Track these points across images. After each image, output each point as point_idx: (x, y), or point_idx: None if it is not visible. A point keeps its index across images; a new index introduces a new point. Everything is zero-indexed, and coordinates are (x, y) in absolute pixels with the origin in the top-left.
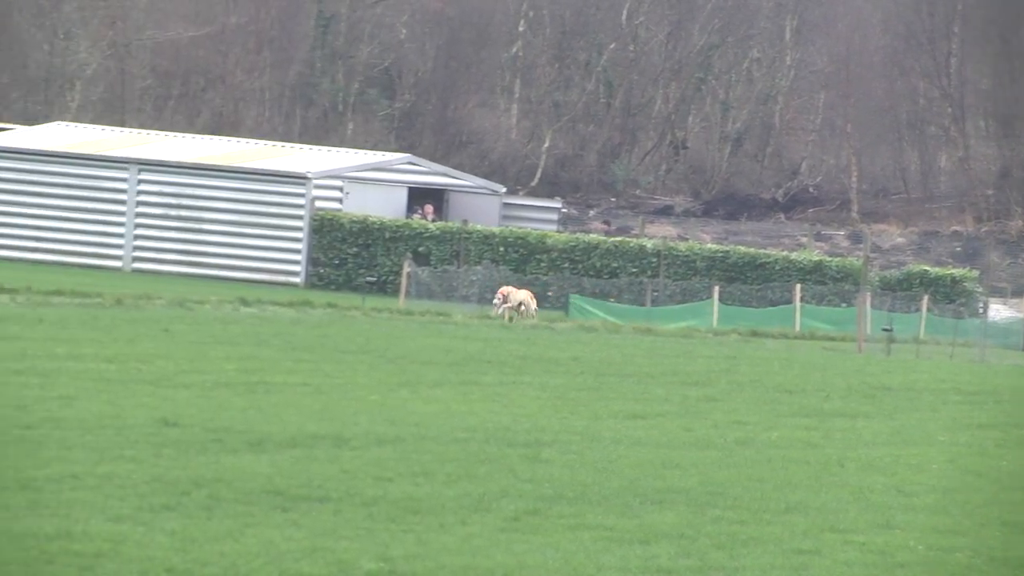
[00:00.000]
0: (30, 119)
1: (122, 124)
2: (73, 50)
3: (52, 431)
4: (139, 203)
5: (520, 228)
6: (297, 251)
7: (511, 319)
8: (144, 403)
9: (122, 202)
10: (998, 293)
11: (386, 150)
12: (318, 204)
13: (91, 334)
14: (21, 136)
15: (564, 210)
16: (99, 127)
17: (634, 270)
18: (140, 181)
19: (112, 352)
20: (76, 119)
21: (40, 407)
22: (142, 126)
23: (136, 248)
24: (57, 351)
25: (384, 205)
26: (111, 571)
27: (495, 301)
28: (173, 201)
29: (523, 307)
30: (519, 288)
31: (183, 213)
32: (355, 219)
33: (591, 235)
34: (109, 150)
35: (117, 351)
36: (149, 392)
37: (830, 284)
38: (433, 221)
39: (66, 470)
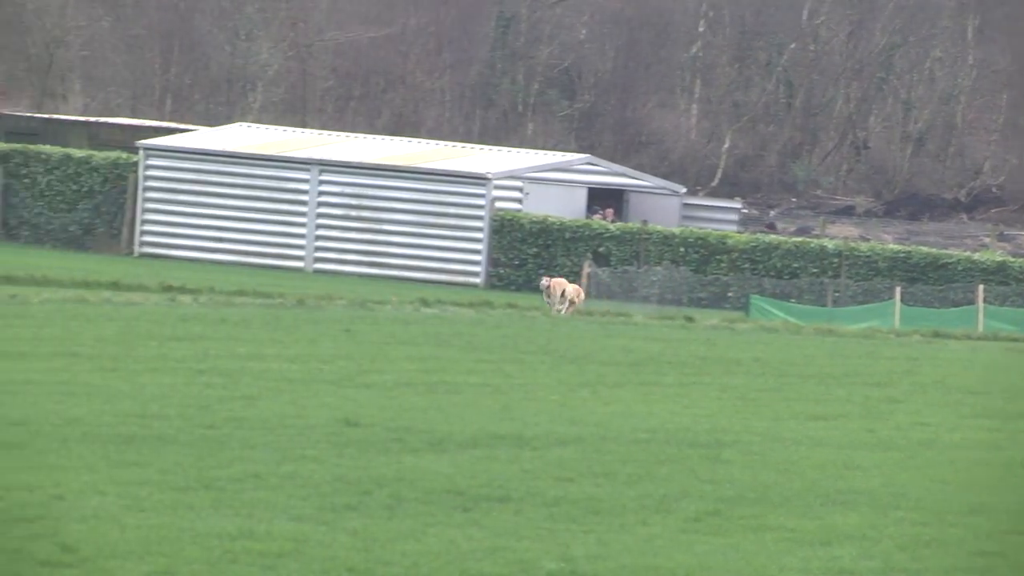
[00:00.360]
0: (212, 120)
1: (303, 125)
2: (255, 51)
3: (235, 431)
4: (320, 204)
5: (700, 228)
6: (477, 252)
7: (559, 311)
8: (326, 403)
9: (303, 203)
10: None
11: (566, 150)
12: (498, 205)
13: (273, 334)
14: (203, 137)
15: (744, 210)
16: (280, 128)
17: (815, 271)
18: (321, 182)
19: (294, 352)
20: (258, 120)
21: (223, 407)
22: (323, 127)
23: (317, 249)
24: (239, 351)
25: (564, 205)
26: (293, 570)
27: (545, 287)
28: (354, 202)
29: (564, 297)
30: (558, 280)
31: (364, 214)
32: (535, 219)
33: (771, 235)
34: (290, 151)
35: (299, 351)
36: (331, 392)
37: (1013, 285)
38: (613, 223)
39: (249, 469)
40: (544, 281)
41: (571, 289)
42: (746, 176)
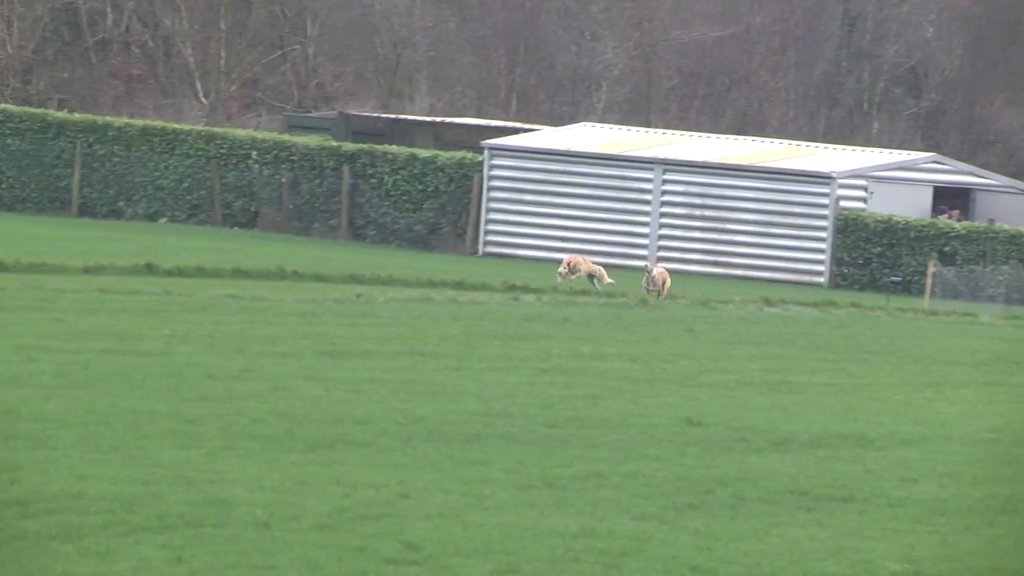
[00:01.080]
0: (556, 120)
1: (647, 124)
2: (599, 51)
3: (577, 430)
4: (663, 203)
5: None
6: (821, 251)
7: (565, 286)
8: (668, 402)
9: (646, 202)
10: None
11: (911, 149)
12: (842, 204)
13: (615, 333)
14: (547, 137)
15: None
16: (624, 127)
17: None
18: (665, 181)
19: (636, 351)
20: (602, 120)
21: (565, 406)
22: (667, 126)
23: (660, 248)
24: (582, 350)
25: (908, 205)
26: (635, 569)
27: (560, 270)
28: (697, 201)
29: (594, 278)
30: (574, 257)
31: (707, 213)
32: (880, 219)
33: None
34: (634, 150)
35: (641, 350)
36: (673, 391)
37: None
38: (958, 222)
39: (591, 468)
40: (562, 269)
41: (658, 272)
42: None
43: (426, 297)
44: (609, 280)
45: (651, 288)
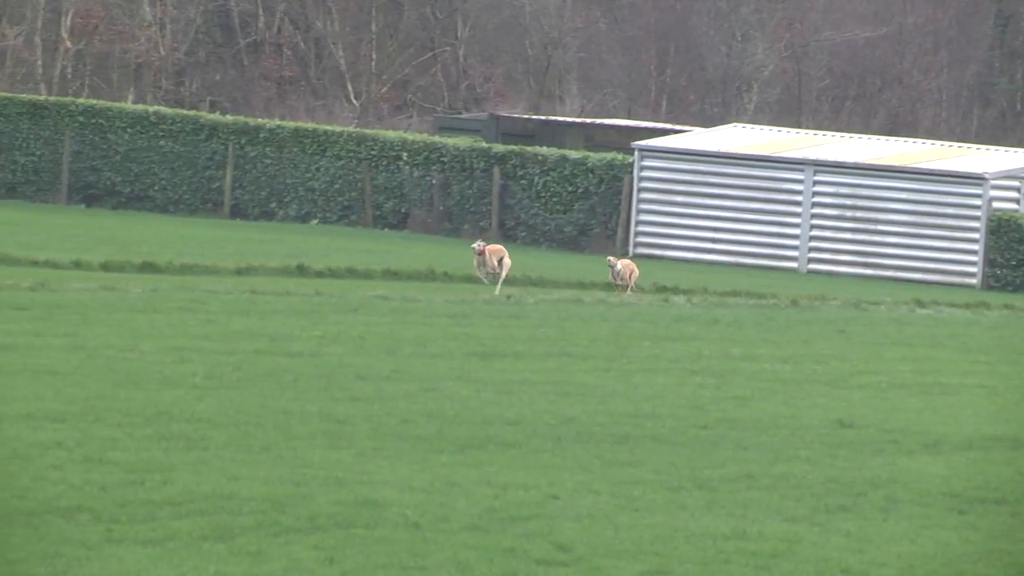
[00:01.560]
0: (707, 121)
1: (798, 125)
2: (750, 52)
3: (727, 431)
4: (814, 204)
5: None
6: (973, 252)
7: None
8: (819, 404)
9: (797, 203)
10: None
11: None
12: (995, 205)
13: (766, 335)
14: (697, 138)
15: None
16: (774, 128)
17: None
18: (815, 182)
19: (787, 353)
20: (753, 121)
21: (716, 407)
22: (818, 127)
23: (811, 249)
24: (732, 351)
25: None
26: (786, 571)
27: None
28: (848, 202)
29: (502, 265)
30: (495, 247)
31: (857, 214)
32: None
33: None
34: (784, 151)
35: (792, 352)
36: (824, 393)
37: None
38: None
39: (741, 470)
40: (477, 246)
41: (623, 264)
42: None
43: (576, 298)
44: (634, 279)
45: (618, 281)
